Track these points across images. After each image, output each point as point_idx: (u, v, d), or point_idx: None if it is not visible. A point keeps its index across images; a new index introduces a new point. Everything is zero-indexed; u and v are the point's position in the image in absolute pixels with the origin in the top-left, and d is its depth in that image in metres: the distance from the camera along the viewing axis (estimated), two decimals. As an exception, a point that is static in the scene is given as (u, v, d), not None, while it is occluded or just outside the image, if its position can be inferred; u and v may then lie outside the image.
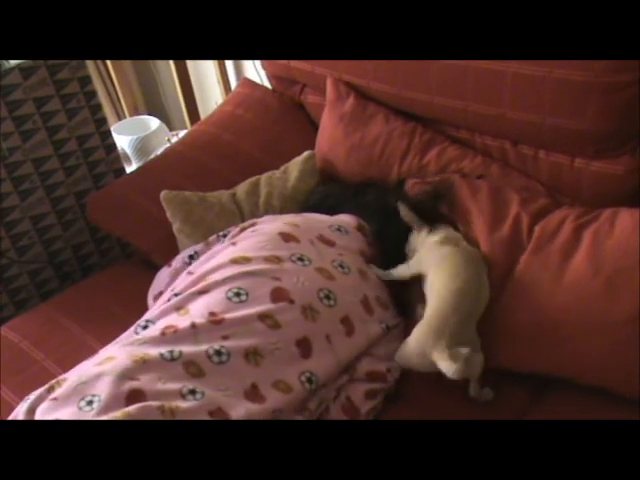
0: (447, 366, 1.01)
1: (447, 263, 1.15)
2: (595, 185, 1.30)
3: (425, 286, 1.17)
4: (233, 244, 1.23)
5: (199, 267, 1.21)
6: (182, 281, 1.20)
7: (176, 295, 1.14)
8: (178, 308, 1.11)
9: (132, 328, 1.12)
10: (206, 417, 0.93)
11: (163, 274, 1.33)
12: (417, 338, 1.09)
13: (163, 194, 1.46)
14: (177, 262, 1.32)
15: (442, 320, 1.07)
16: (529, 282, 1.12)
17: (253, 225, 1.30)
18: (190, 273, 1.21)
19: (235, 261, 1.15)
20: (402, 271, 1.22)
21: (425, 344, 1.06)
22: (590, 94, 1.19)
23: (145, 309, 1.28)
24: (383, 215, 1.33)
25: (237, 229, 1.31)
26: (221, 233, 1.33)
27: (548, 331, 1.11)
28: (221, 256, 1.20)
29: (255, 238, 1.22)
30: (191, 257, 1.31)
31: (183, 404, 0.93)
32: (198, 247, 1.32)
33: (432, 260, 1.17)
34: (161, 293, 1.29)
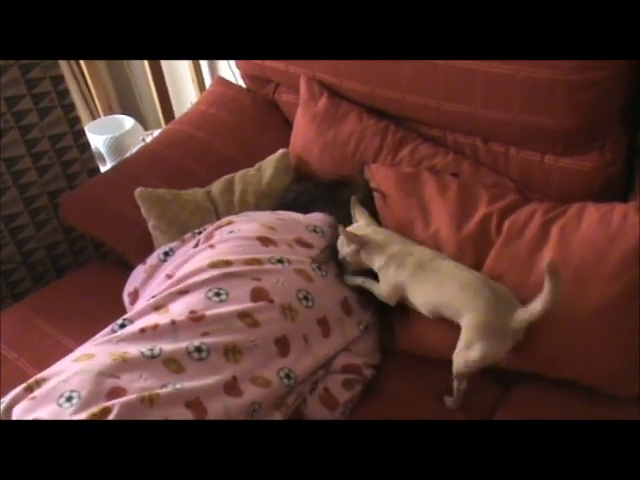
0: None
1: (417, 280, 1.14)
2: (564, 181, 1.33)
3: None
4: (211, 247, 1.23)
5: (177, 270, 1.21)
6: (160, 284, 1.20)
7: (154, 297, 1.14)
8: (157, 307, 1.11)
9: (109, 327, 1.12)
10: (183, 408, 0.94)
11: (138, 271, 1.33)
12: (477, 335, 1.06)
13: (137, 191, 1.46)
14: (152, 259, 1.32)
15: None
16: (498, 275, 1.14)
17: (230, 224, 1.30)
18: (168, 276, 1.21)
19: (215, 265, 1.15)
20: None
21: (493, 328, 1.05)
22: (557, 92, 1.21)
23: (120, 309, 1.28)
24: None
25: (213, 227, 1.31)
26: (197, 230, 1.33)
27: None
28: (199, 259, 1.20)
29: (233, 242, 1.22)
30: (166, 254, 1.31)
31: (162, 391, 0.95)
32: (174, 244, 1.32)
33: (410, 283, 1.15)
34: (136, 290, 1.30)
